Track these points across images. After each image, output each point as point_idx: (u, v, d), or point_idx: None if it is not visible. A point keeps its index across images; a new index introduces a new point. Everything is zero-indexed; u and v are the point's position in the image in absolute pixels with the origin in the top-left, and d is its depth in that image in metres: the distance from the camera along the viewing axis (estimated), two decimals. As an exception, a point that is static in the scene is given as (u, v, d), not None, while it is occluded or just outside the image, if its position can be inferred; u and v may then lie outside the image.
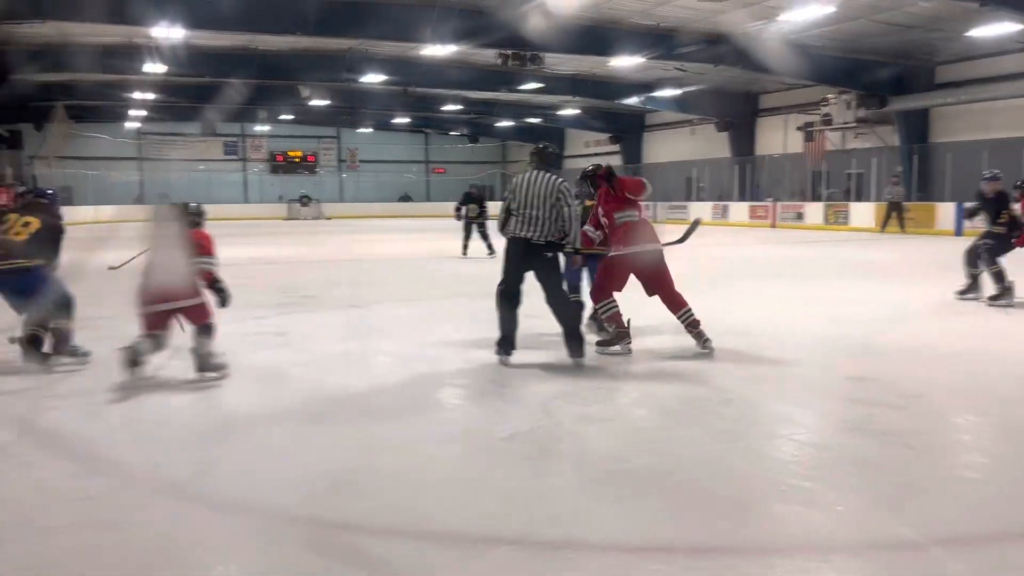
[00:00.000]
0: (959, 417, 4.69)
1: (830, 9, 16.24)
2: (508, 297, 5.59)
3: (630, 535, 3.01)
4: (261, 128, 39.04)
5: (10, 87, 24.71)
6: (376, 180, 41.95)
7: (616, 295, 6.05)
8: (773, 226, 25.17)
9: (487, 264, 11.80)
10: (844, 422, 4.46)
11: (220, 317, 5.49)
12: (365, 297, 9.77)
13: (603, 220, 6.07)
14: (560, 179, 5.54)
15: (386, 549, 2.92)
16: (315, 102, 28.88)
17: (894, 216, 21.10)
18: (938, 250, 15.19)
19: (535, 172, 5.60)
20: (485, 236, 14.25)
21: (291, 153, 41.42)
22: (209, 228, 5.66)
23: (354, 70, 23.62)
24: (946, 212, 20.28)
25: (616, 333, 6.00)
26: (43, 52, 21.38)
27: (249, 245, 18.17)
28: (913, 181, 22.40)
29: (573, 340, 5.60)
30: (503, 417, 4.55)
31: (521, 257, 5.56)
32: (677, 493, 3.42)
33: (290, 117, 36.41)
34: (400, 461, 3.81)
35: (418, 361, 5.95)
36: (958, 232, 18.90)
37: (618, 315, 6.01)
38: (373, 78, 24.19)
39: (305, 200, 36.64)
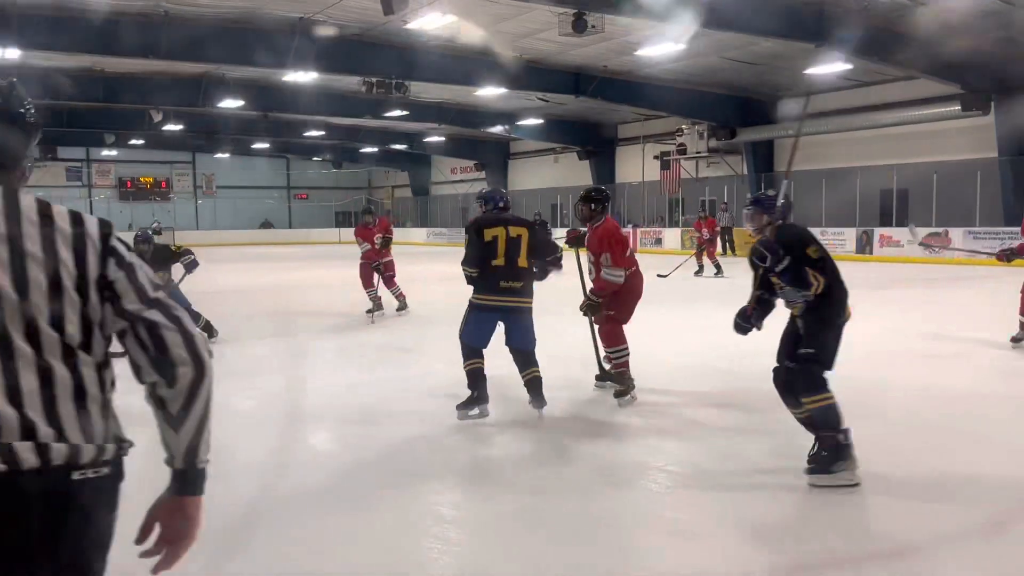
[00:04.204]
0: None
1: (682, 46, 17.09)
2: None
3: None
4: (108, 152, 36.85)
5: None
6: (234, 206, 40.40)
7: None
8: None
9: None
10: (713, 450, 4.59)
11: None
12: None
13: None
14: None
15: None
16: (168, 127, 27.58)
17: (725, 240, 22.31)
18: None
19: None
20: None
21: (142, 179, 39.40)
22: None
23: (210, 95, 22.72)
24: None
25: None
26: None
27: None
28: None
29: None
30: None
31: None
32: (558, 529, 3.42)
33: (140, 142, 34.55)
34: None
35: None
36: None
37: None
38: (231, 103, 23.28)
39: (157, 228, 34.72)
